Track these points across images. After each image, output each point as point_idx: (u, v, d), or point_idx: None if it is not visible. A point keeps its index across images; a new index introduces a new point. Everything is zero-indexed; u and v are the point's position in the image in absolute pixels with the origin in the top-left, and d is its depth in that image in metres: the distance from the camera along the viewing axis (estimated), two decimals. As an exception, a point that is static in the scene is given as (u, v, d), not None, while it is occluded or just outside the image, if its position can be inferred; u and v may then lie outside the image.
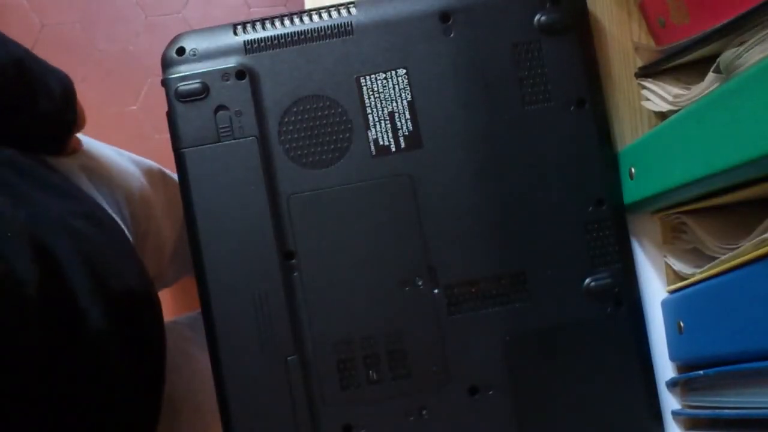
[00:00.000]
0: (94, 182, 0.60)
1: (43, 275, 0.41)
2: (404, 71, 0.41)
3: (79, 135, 0.60)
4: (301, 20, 0.41)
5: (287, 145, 0.41)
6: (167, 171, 0.77)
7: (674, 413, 0.41)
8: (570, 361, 0.40)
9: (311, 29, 0.41)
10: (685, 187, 0.34)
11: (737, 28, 0.33)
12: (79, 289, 0.44)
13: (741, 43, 0.33)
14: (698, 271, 0.38)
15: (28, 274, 0.40)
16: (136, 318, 0.50)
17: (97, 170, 0.61)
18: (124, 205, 0.62)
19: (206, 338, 0.40)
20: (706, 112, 0.32)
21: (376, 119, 0.41)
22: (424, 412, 0.40)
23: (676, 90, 0.40)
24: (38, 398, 0.40)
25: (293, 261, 0.40)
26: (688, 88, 0.38)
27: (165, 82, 0.41)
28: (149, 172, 0.72)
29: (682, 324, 0.39)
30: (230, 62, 0.41)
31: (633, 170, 0.40)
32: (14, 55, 0.50)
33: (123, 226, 0.58)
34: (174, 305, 1.19)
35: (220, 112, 0.41)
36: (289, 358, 0.40)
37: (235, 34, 0.41)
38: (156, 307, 0.54)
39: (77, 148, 0.59)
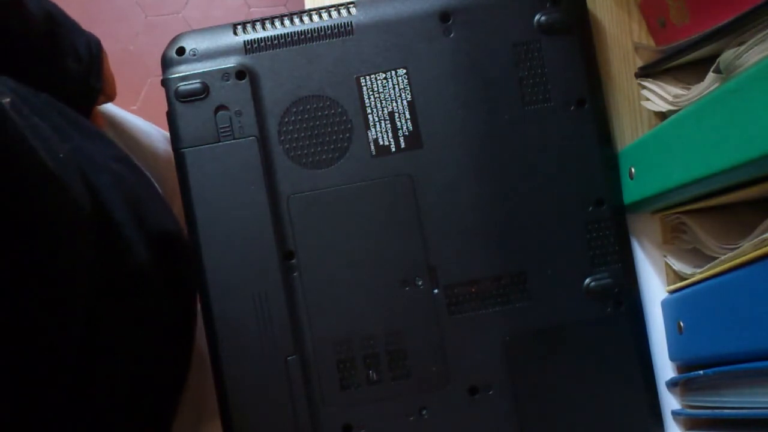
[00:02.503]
0: (119, 139, 0.60)
1: (92, 200, 0.40)
2: (404, 71, 0.41)
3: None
4: (301, 20, 0.42)
5: (287, 145, 0.41)
6: None
7: (674, 413, 0.41)
8: (570, 361, 0.40)
9: (311, 29, 0.41)
10: (685, 187, 0.34)
11: (737, 28, 0.33)
12: (123, 221, 0.44)
13: (741, 43, 0.33)
14: (698, 271, 0.38)
15: (82, 197, 0.39)
16: (174, 257, 0.50)
17: (122, 130, 0.61)
18: (152, 163, 0.62)
19: (206, 338, 0.40)
20: (706, 112, 0.32)
21: (376, 119, 0.41)
22: (424, 412, 0.40)
23: (676, 90, 0.40)
24: (91, 325, 0.39)
25: (293, 261, 0.40)
26: (688, 88, 0.38)
27: (165, 82, 0.41)
28: (168, 137, 0.72)
29: (682, 324, 0.39)
30: (230, 62, 0.41)
31: (633, 170, 0.40)
32: (45, 8, 0.50)
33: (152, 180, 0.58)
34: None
35: (220, 112, 0.41)
36: (289, 358, 0.40)
37: (235, 34, 0.41)
38: (189, 251, 0.54)
39: (99, 123, 0.59)
